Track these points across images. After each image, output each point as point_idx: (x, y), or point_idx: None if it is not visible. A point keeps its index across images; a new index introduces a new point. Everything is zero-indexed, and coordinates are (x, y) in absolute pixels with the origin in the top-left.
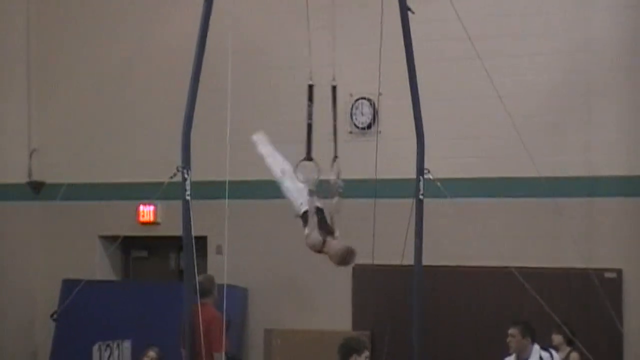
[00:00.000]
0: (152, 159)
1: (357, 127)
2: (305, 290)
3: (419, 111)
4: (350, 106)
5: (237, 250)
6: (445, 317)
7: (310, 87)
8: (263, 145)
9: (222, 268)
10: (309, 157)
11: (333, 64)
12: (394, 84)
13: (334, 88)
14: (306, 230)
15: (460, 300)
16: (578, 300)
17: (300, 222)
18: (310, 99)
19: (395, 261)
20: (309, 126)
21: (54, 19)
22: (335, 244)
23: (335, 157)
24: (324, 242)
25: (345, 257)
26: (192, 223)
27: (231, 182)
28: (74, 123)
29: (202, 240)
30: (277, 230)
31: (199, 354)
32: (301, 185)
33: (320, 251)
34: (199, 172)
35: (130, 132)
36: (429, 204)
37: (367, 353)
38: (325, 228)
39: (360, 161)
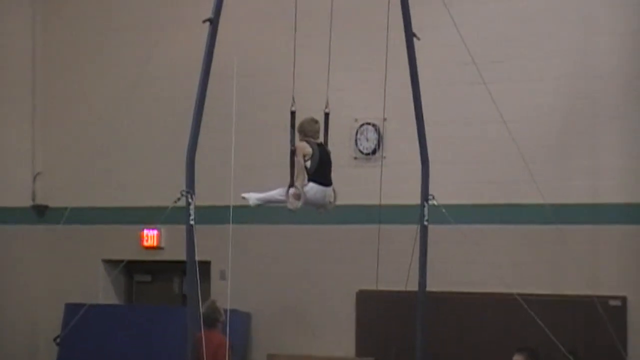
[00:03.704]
0: (156, 183)
1: (362, 153)
2: (308, 316)
3: (424, 137)
4: (355, 131)
5: (241, 275)
6: (449, 343)
7: (293, 113)
8: (255, 196)
9: (225, 293)
10: (291, 184)
11: (326, 91)
12: (398, 109)
13: (326, 115)
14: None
15: (464, 326)
16: (582, 327)
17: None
18: (292, 125)
19: (400, 287)
20: (292, 152)
21: (58, 43)
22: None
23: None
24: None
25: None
26: (195, 248)
27: (235, 207)
28: (78, 147)
29: (205, 265)
30: (281, 256)
31: None
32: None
33: None
34: (203, 197)
35: (135, 156)
36: (433, 229)
37: None
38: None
39: (364, 187)
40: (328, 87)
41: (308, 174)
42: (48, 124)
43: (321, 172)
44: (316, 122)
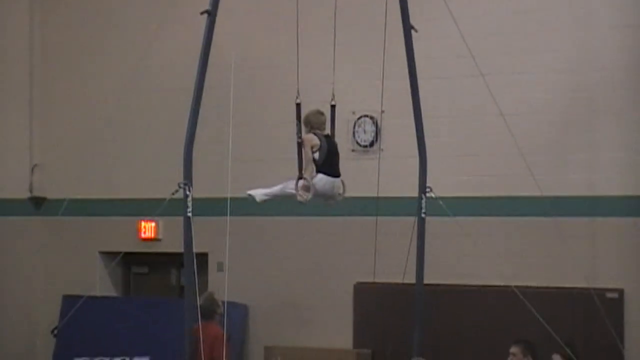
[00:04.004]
0: (154, 175)
1: (360, 145)
2: (306, 308)
3: (422, 129)
4: (353, 124)
5: (238, 267)
6: (446, 335)
7: (298, 105)
8: (261, 192)
9: (222, 285)
10: (300, 176)
11: (333, 83)
12: (396, 102)
13: (332, 107)
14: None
15: (462, 318)
16: (579, 319)
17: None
18: (298, 117)
19: (397, 279)
20: (299, 145)
21: (56, 36)
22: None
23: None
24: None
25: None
26: (193, 240)
27: (232, 199)
28: (76, 139)
29: (203, 257)
30: (278, 248)
31: None
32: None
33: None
34: (201, 189)
35: (132, 148)
36: (430, 222)
37: None
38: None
39: (362, 179)
40: (334, 79)
41: (316, 165)
42: (46, 116)
43: (329, 163)
44: (322, 114)
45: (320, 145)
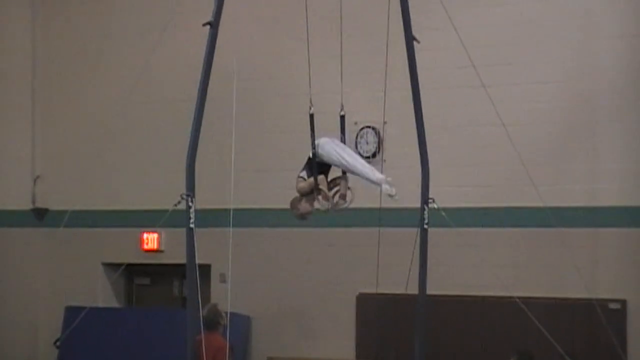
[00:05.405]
0: (156, 186)
1: (362, 156)
2: (308, 318)
3: (424, 140)
4: (355, 135)
5: (241, 278)
6: (448, 346)
7: (311, 116)
8: (386, 187)
9: (225, 296)
10: (318, 189)
11: (341, 94)
12: (399, 113)
13: (342, 117)
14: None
15: (464, 329)
16: (582, 330)
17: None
18: (312, 128)
19: (400, 290)
20: (314, 155)
21: (58, 47)
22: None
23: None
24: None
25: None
26: (196, 251)
27: (235, 210)
28: (78, 150)
29: (205, 268)
30: (281, 259)
31: None
32: None
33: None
34: (203, 200)
35: (135, 159)
36: (433, 233)
37: None
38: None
39: (364, 190)
40: (342, 90)
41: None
42: (48, 127)
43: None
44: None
45: (312, 172)
